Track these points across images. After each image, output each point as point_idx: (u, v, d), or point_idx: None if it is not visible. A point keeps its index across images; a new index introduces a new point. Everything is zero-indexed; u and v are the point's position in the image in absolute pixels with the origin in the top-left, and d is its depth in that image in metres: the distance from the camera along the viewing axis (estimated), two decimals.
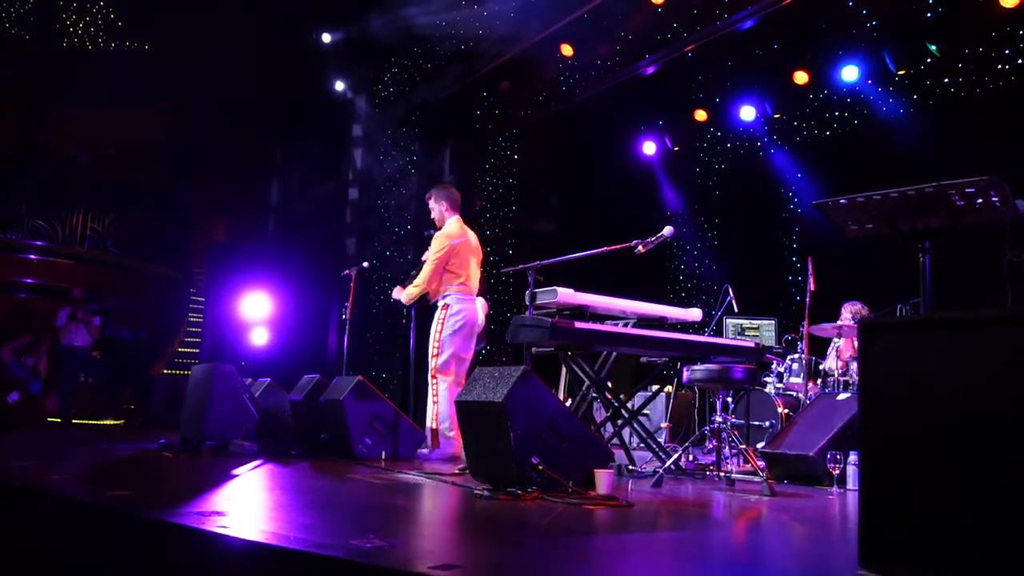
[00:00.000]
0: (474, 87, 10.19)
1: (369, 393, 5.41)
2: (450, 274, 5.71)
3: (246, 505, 3.16)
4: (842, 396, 4.89)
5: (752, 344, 5.12)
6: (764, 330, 7.99)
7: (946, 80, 7.84)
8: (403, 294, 5.84)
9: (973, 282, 4.24)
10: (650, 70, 8.97)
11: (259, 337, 10.71)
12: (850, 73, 8.31)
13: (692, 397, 7.81)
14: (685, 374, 4.89)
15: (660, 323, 5.30)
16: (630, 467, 4.80)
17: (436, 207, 5.96)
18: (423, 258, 5.85)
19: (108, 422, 9.20)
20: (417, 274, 5.82)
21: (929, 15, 7.48)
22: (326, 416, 5.57)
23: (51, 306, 10.06)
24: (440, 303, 5.73)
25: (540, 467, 3.51)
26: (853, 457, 4.19)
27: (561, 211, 11.00)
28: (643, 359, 7.27)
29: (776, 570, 2.31)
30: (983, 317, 1.83)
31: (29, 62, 11.82)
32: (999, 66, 7.45)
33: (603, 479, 3.55)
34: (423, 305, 7.10)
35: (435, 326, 5.68)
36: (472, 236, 5.93)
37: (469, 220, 10.76)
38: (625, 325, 5.06)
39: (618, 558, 2.29)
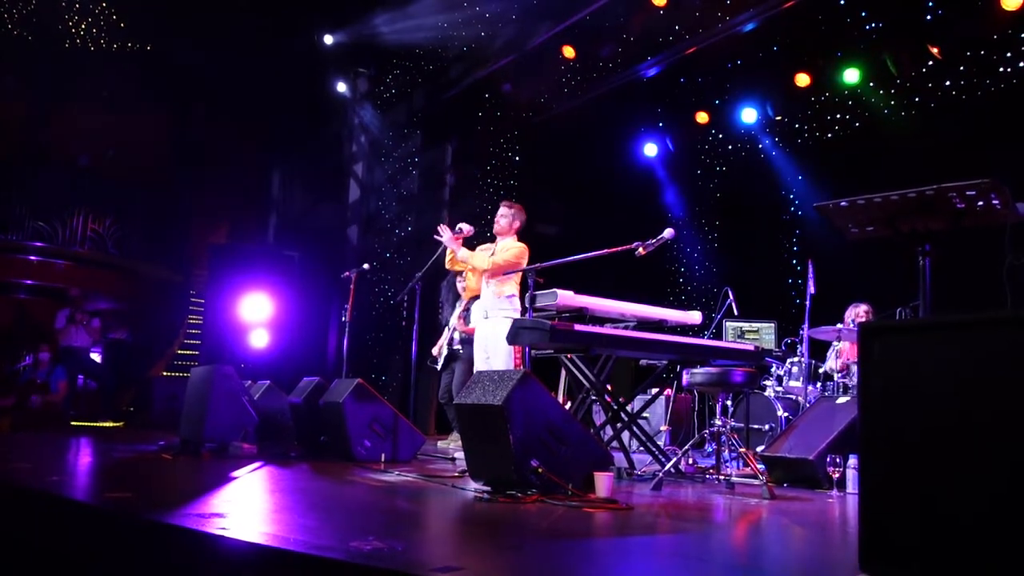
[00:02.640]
0: (475, 89, 10.19)
1: (368, 395, 5.41)
2: (519, 289, 5.73)
3: (246, 507, 3.16)
4: (842, 399, 4.89)
5: (752, 347, 5.11)
6: (764, 333, 7.99)
7: (947, 83, 7.84)
8: (467, 253, 5.75)
9: (973, 285, 4.24)
10: (652, 72, 8.98)
11: (259, 339, 10.71)
12: (851, 75, 8.31)
13: (691, 400, 7.81)
14: (685, 377, 4.89)
15: (660, 326, 5.29)
16: (630, 470, 4.79)
17: (508, 219, 5.97)
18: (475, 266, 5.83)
19: (108, 424, 9.20)
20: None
21: (930, 17, 7.49)
22: (326, 418, 5.57)
23: (51, 307, 10.05)
24: (508, 315, 5.67)
25: (540, 470, 3.51)
26: (853, 460, 4.18)
27: (562, 213, 11.00)
28: (643, 362, 7.27)
29: (776, 574, 2.31)
30: (983, 320, 1.83)
31: (31, 63, 11.83)
32: (1000, 69, 7.45)
33: (603, 482, 3.55)
34: (421, 307, 7.12)
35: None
36: None
37: (467, 222, 10.79)
38: (625, 328, 5.05)
39: (618, 561, 2.29)
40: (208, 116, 12.49)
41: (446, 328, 7.14)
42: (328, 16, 10.64)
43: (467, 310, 6.98)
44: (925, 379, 1.89)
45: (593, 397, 5.14)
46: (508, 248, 5.82)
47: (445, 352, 7.06)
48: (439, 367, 7.14)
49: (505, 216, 5.98)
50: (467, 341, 6.96)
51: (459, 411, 4.01)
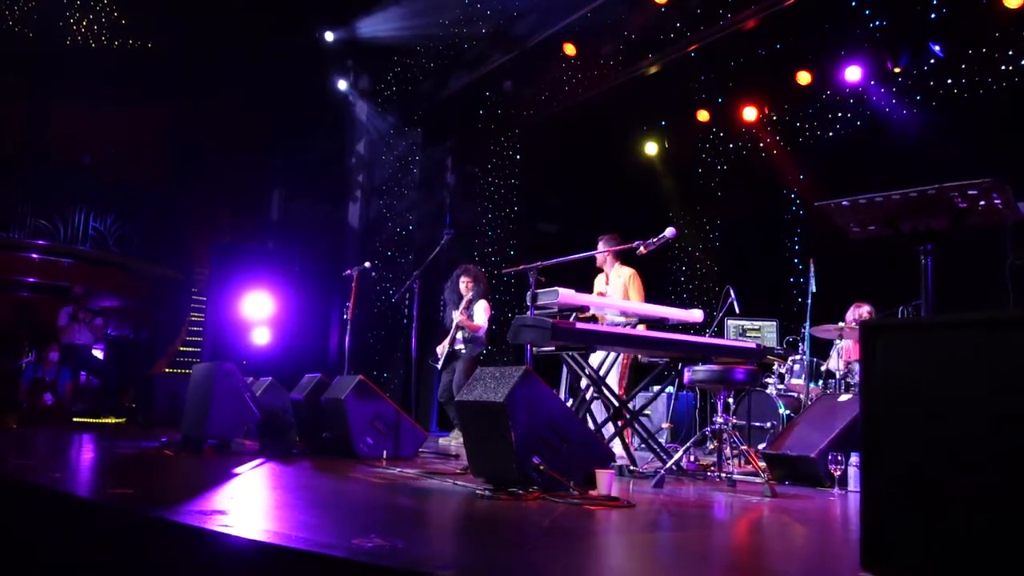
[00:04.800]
0: (476, 86, 10.19)
1: (370, 392, 5.41)
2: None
3: (247, 504, 3.17)
4: (843, 397, 4.89)
5: (753, 345, 5.11)
6: (765, 331, 7.99)
7: (949, 81, 7.83)
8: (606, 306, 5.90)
9: (974, 284, 4.24)
10: (653, 70, 8.97)
11: (261, 336, 10.72)
12: (853, 73, 8.30)
13: (693, 398, 7.81)
14: (686, 375, 4.89)
15: (661, 324, 5.29)
16: (631, 467, 4.80)
17: (602, 254, 6.15)
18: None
19: (110, 421, 9.21)
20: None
21: (933, 15, 7.48)
22: (327, 415, 5.58)
23: (54, 305, 10.07)
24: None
25: (541, 467, 3.51)
26: (854, 458, 4.18)
27: (563, 211, 11.00)
28: (644, 360, 7.27)
29: (777, 571, 2.31)
30: (984, 320, 1.83)
31: (32, 61, 11.83)
32: (1002, 67, 7.44)
33: (604, 479, 3.55)
34: (421, 305, 7.10)
35: (622, 358, 5.85)
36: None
37: (469, 220, 10.79)
38: (626, 326, 5.05)
39: (620, 559, 2.30)
40: (209, 114, 12.49)
41: (453, 328, 7.12)
42: (329, 14, 10.64)
43: (468, 307, 6.98)
44: (927, 378, 1.89)
45: (595, 394, 5.14)
46: (633, 285, 6.09)
47: (446, 351, 7.06)
48: (439, 366, 7.15)
49: (600, 252, 6.25)
50: (470, 340, 6.95)
51: (461, 408, 4.01)
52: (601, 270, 6.34)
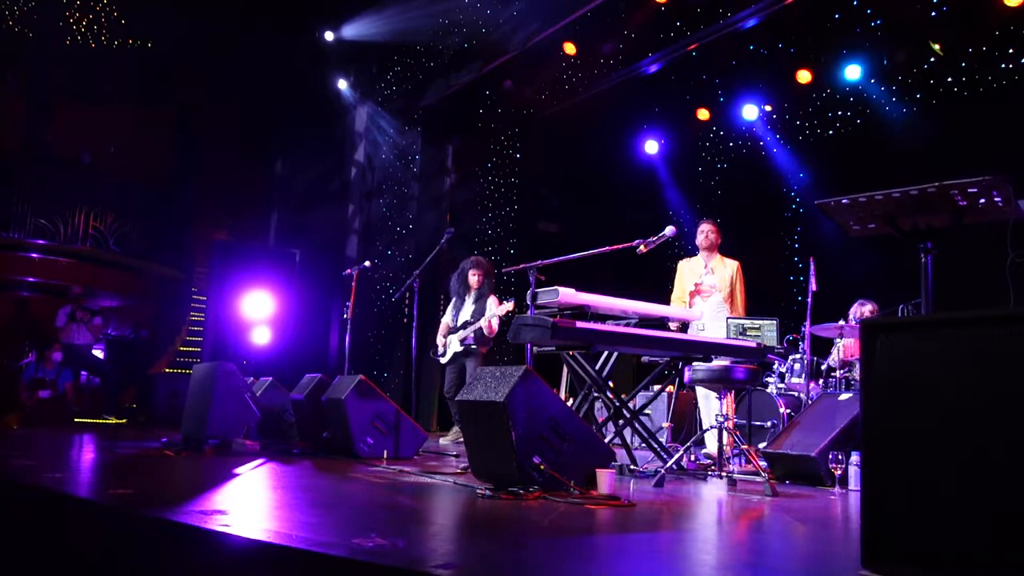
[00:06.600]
0: (477, 85, 10.19)
1: (371, 392, 5.41)
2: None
3: (248, 504, 3.17)
4: (844, 396, 4.88)
5: (754, 344, 5.11)
6: (766, 330, 7.94)
7: (949, 79, 7.83)
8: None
9: (975, 282, 4.24)
10: (653, 69, 8.97)
11: (261, 336, 10.71)
12: (853, 72, 8.31)
13: (693, 397, 7.80)
14: (687, 374, 4.88)
15: (662, 323, 5.29)
16: (632, 467, 4.79)
17: (715, 235, 6.70)
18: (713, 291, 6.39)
19: (110, 421, 9.21)
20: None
21: (933, 14, 7.47)
22: (328, 415, 5.58)
23: (53, 305, 10.07)
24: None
25: (542, 467, 3.51)
26: (855, 457, 4.18)
27: (563, 210, 10.99)
28: (644, 359, 7.26)
29: (778, 570, 2.31)
30: (985, 318, 1.83)
31: (32, 60, 11.83)
32: (1002, 65, 7.44)
33: (605, 479, 3.55)
34: (421, 304, 7.09)
35: None
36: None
37: (469, 219, 10.78)
38: (627, 325, 5.05)
39: (620, 558, 2.29)
40: (209, 113, 12.49)
41: (465, 321, 7.05)
42: (329, 13, 10.64)
43: (481, 301, 6.92)
44: (927, 376, 1.89)
45: (595, 394, 5.14)
46: (735, 278, 6.51)
47: (458, 348, 7.01)
48: (444, 360, 7.12)
49: (714, 232, 6.66)
50: (479, 339, 6.92)
51: (461, 408, 4.02)
52: (694, 254, 6.51)
